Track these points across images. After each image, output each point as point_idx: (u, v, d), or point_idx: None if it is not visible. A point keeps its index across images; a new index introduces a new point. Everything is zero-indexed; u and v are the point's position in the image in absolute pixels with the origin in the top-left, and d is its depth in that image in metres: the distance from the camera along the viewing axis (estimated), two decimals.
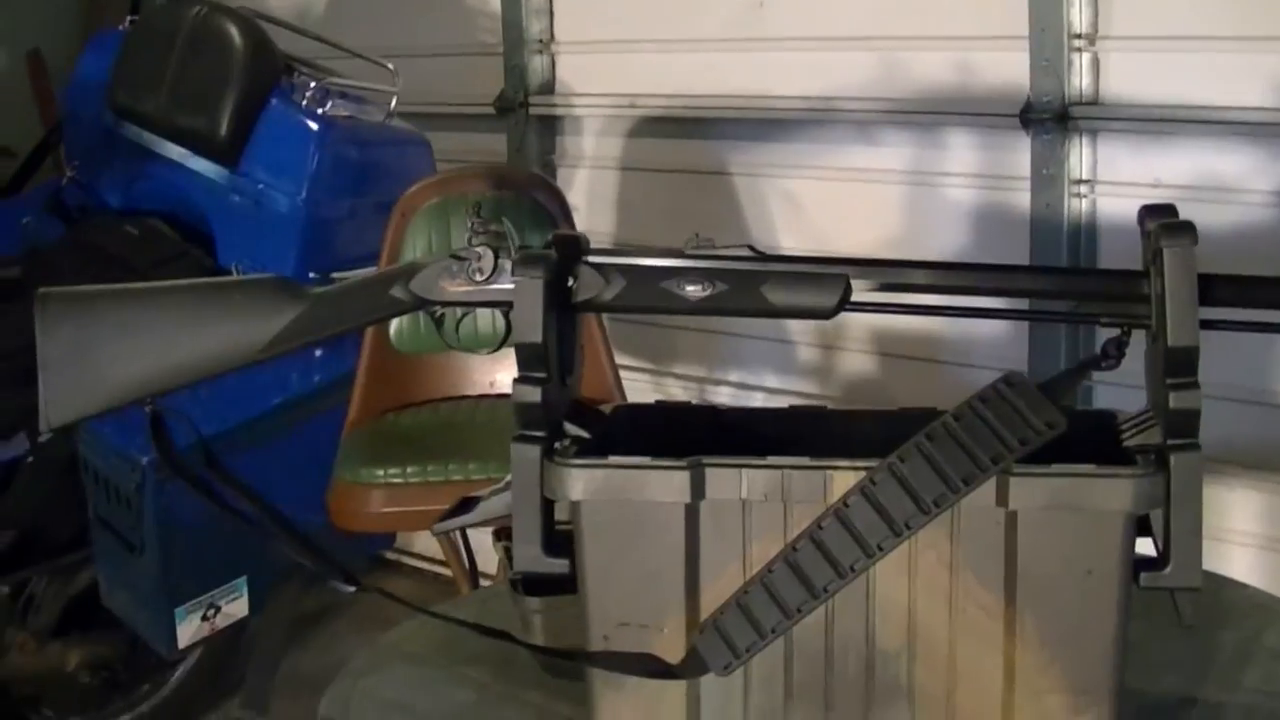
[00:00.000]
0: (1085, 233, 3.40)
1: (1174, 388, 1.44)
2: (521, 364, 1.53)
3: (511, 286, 1.55)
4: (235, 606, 3.54)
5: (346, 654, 2.05)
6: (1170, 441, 1.45)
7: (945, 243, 3.62)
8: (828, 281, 1.55)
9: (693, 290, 1.56)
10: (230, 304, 1.69)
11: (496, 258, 1.62)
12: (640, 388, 4.10)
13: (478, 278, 1.63)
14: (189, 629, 3.47)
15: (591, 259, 1.59)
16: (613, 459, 1.52)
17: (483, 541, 3.07)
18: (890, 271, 1.58)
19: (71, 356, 1.66)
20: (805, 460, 1.48)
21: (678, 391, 4.24)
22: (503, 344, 1.63)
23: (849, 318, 1.60)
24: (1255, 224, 3.13)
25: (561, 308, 1.57)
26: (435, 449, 3.21)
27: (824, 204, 3.86)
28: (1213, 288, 1.48)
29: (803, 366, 3.99)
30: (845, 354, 3.89)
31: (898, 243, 3.69)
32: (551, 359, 1.54)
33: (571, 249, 1.59)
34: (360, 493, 3.16)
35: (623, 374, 3.46)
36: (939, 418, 1.46)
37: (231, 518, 1.74)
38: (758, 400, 4.05)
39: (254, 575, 3.56)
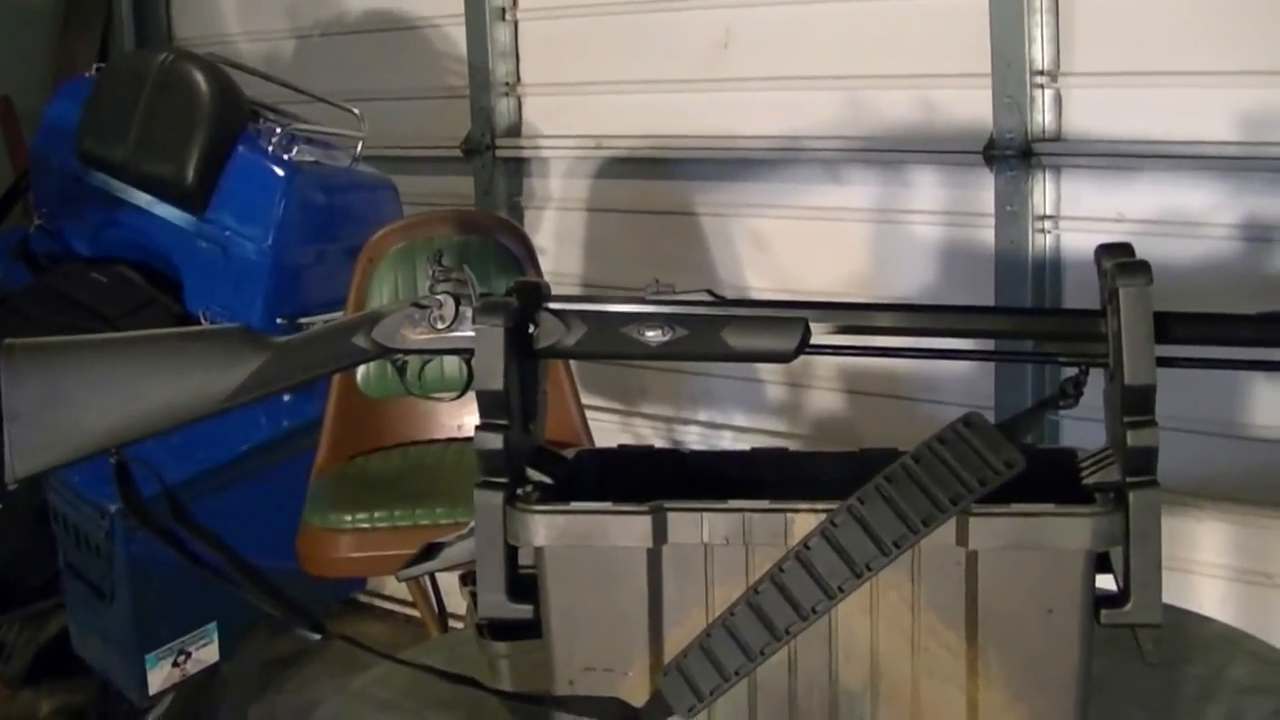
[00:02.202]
0: (1050, 268, 3.42)
1: (1131, 426, 1.45)
2: (483, 411, 1.54)
3: (473, 334, 1.56)
4: (206, 652, 3.53)
5: (318, 698, 2.05)
6: (1129, 479, 1.46)
7: (911, 280, 3.64)
8: (787, 325, 1.56)
9: (653, 335, 1.57)
10: (194, 354, 1.70)
11: (457, 305, 1.63)
12: (608, 428, 4.10)
13: (439, 325, 1.63)
14: (160, 675, 3.46)
15: (552, 305, 1.61)
16: (575, 505, 1.53)
17: (452, 584, 3.09)
18: (850, 314, 1.59)
19: (37, 407, 1.66)
20: (765, 503, 1.49)
21: (646, 431, 4.24)
22: (465, 391, 1.64)
23: (815, 357, 1.61)
24: (1219, 257, 3.15)
25: (523, 355, 1.58)
26: (403, 493, 3.20)
27: (790, 243, 3.88)
28: (1169, 326, 1.50)
29: (771, 405, 4.00)
30: (814, 392, 3.90)
31: (864, 281, 3.70)
32: (513, 405, 1.55)
33: (532, 296, 1.60)
34: (328, 538, 3.14)
35: (590, 415, 3.46)
36: (899, 459, 1.47)
37: (198, 567, 1.74)
38: (726, 438, 4.05)
39: (225, 620, 3.55)
